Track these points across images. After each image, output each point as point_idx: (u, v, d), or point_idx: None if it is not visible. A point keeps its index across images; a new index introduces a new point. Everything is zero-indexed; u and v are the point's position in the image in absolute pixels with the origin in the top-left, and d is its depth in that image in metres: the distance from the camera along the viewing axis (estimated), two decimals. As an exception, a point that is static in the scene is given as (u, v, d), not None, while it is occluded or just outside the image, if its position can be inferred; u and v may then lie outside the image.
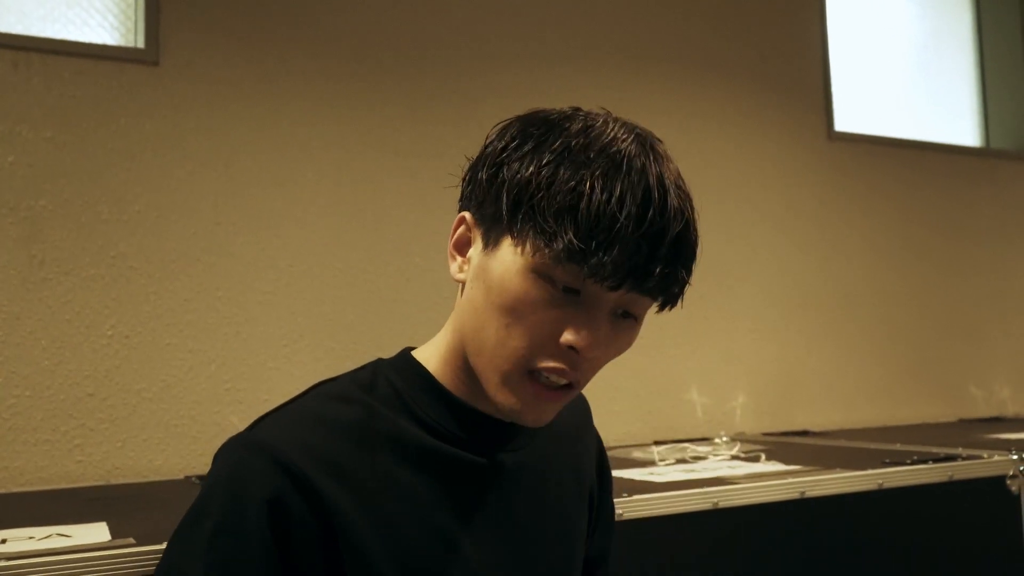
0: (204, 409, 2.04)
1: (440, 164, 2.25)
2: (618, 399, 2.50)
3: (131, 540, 1.13)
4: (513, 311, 0.78)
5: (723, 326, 2.72)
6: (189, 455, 2.01)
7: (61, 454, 1.90)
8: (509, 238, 0.78)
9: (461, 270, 0.84)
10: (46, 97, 1.96)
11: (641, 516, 1.43)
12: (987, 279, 3.30)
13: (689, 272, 0.79)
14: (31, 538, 1.20)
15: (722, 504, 1.50)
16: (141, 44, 2.08)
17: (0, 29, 1.97)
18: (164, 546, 1.08)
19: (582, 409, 1.04)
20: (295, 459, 0.78)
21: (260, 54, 2.19)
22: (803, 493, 1.58)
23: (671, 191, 0.76)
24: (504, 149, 0.80)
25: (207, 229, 2.09)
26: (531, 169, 0.77)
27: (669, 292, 0.79)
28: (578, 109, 0.83)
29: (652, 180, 0.75)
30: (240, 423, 2.05)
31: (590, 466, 1.03)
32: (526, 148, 0.78)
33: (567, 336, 0.77)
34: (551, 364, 0.78)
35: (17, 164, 1.92)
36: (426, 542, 0.82)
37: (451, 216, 0.87)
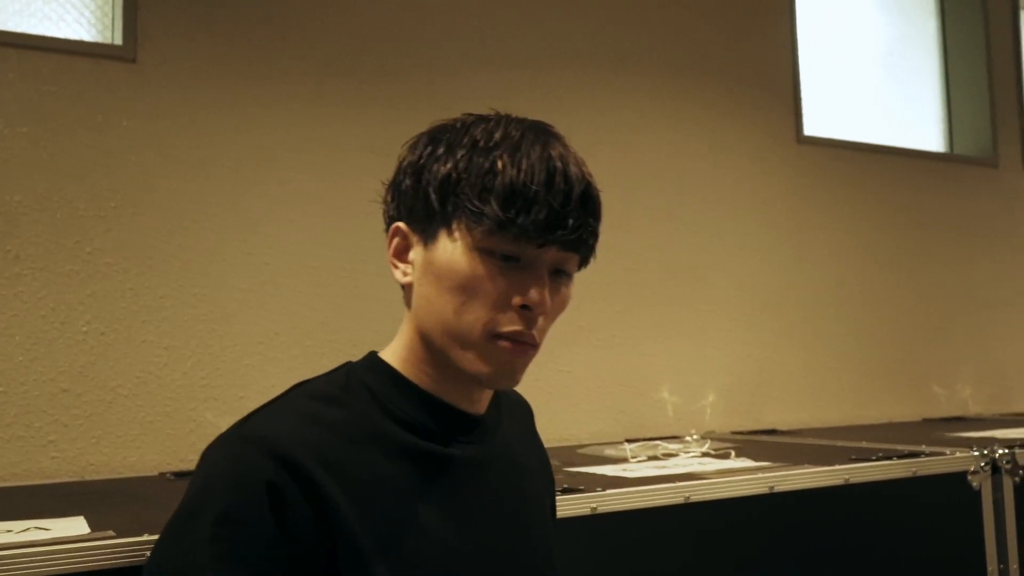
0: (179, 406, 2.04)
1: (416, 164, 2.26)
2: (590, 398, 2.53)
3: (111, 532, 1.14)
4: (466, 288, 0.86)
5: (694, 326, 2.76)
6: (164, 452, 2.01)
7: (35, 450, 1.89)
8: (444, 230, 0.88)
9: (406, 274, 0.92)
10: (23, 92, 1.96)
11: (614, 510, 1.45)
12: (950, 282, 3.37)
13: (598, 224, 0.90)
14: (9, 531, 1.20)
15: (693, 498, 1.54)
16: (119, 41, 2.08)
17: (-24, 24, 1.97)
18: (144, 537, 1.11)
19: (526, 411, 1.12)
20: (289, 448, 0.81)
21: (238, 52, 2.19)
22: (772, 488, 1.62)
23: (569, 160, 0.88)
24: (420, 157, 0.91)
25: (184, 226, 2.09)
26: (449, 165, 0.88)
27: (586, 244, 0.89)
28: (471, 114, 0.94)
29: (551, 153, 0.87)
30: (215, 420, 2.06)
31: (546, 461, 1.11)
32: (440, 151, 0.90)
33: (518, 299, 0.86)
34: (511, 328, 0.87)
35: (-8, 159, 1.92)
36: (411, 532, 0.85)
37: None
